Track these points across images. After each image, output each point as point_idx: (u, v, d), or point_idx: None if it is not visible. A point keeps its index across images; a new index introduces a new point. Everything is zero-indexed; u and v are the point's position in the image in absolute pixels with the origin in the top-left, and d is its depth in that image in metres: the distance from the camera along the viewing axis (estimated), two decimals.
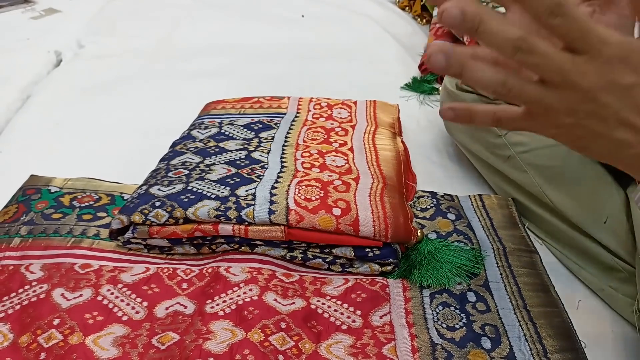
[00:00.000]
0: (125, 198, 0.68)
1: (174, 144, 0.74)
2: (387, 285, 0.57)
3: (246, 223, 0.57)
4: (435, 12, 1.22)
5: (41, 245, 0.59)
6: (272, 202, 0.58)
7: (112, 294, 0.54)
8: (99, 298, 0.53)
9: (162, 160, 0.70)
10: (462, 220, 0.66)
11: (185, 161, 0.69)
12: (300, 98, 0.87)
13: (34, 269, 0.56)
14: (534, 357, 0.49)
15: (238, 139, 0.75)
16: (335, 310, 0.54)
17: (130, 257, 0.59)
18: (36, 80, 1.04)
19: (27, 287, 0.54)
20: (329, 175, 0.65)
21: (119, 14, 1.40)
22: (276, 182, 0.63)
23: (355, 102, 0.86)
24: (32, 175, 0.71)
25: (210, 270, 0.57)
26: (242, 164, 0.68)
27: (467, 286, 0.57)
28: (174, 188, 0.62)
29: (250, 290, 0.54)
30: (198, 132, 0.77)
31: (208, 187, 0.62)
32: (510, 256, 0.61)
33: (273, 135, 0.76)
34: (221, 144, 0.73)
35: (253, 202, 0.58)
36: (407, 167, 0.75)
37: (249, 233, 0.57)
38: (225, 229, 0.57)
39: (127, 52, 1.18)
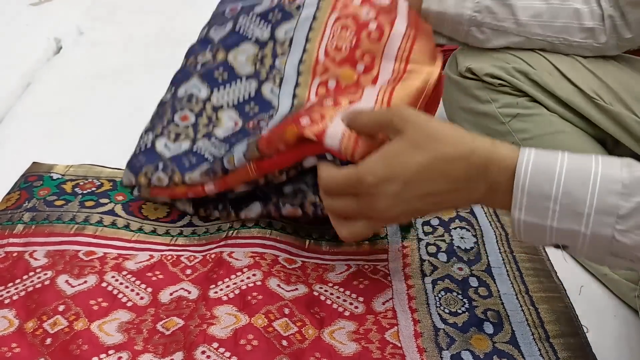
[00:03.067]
0: None
1: (189, 53, 0.69)
2: (388, 274, 0.57)
3: (228, 171, 0.57)
4: None
5: (44, 232, 0.59)
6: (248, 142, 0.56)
7: (117, 280, 0.54)
8: (104, 284, 0.54)
9: (172, 83, 0.69)
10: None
11: (192, 94, 0.65)
12: None
13: (37, 255, 0.56)
14: (536, 342, 0.49)
15: (251, 40, 0.64)
16: (338, 297, 0.54)
17: (134, 245, 0.60)
18: (36, 67, 1.03)
19: (31, 273, 0.54)
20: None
21: (119, 0, 1.39)
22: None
23: None
24: (34, 163, 0.71)
25: (213, 255, 0.58)
26: (251, 111, 0.62)
27: (469, 271, 0.57)
28: (180, 146, 0.63)
29: (254, 275, 0.54)
30: (215, 30, 0.68)
31: (212, 149, 0.61)
32: (513, 242, 0.61)
33: (291, 37, 0.62)
34: (230, 57, 0.64)
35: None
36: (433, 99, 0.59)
37: (228, 181, 0.58)
38: (209, 188, 0.59)
39: (128, 39, 1.17)
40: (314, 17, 0.61)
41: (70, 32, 1.19)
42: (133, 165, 0.63)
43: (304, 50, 0.60)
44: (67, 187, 0.67)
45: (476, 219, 0.64)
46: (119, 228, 0.61)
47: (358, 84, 0.58)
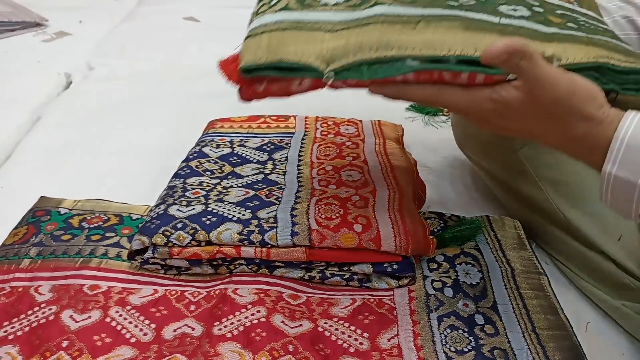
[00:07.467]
0: (133, 218, 0.68)
1: (188, 159, 0.75)
2: (394, 307, 0.57)
3: (269, 246, 0.58)
4: None
5: (50, 267, 0.60)
6: (294, 224, 0.59)
7: (121, 315, 0.54)
8: (108, 320, 0.54)
9: (177, 176, 0.71)
10: (469, 242, 0.66)
11: (202, 182, 0.69)
12: (306, 117, 0.88)
13: (43, 290, 0.56)
14: None
15: (253, 162, 0.75)
16: (343, 333, 0.54)
17: (138, 278, 0.60)
18: (46, 101, 1.05)
19: (36, 308, 0.54)
20: (346, 191, 0.65)
21: (127, 36, 1.43)
22: (295, 202, 0.64)
23: (360, 121, 0.87)
24: (42, 197, 0.72)
25: (217, 292, 0.57)
26: (259, 187, 0.69)
27: (475, 308, 0.56)
28: (193, 209, 0.62)
29: (258, 311, 0.54)
30: (210, 150, 0.78)
31: (228, 209, 0.62)
32: (519, 278, 0.60)
33: (286, 155, 0.77)
34: (237, 169, 0.73)
35: (275, 225, 0.59)
36: (418, 176, 0.76)
37: (271, 255, 0.58)
38: (248, 251, 0.58)
39: (136, 73, 1.20)
40: (302, 145, 0.79)
41: (80, 67, 1.22)
42: (146, 228, 0.60)
43: (299, 158, 0.76)
44: (74, 221, 0.67)
45: (481, 254, 0.64)
46: (123, 260, 0.62)
47: (352, 164, 0.73)
